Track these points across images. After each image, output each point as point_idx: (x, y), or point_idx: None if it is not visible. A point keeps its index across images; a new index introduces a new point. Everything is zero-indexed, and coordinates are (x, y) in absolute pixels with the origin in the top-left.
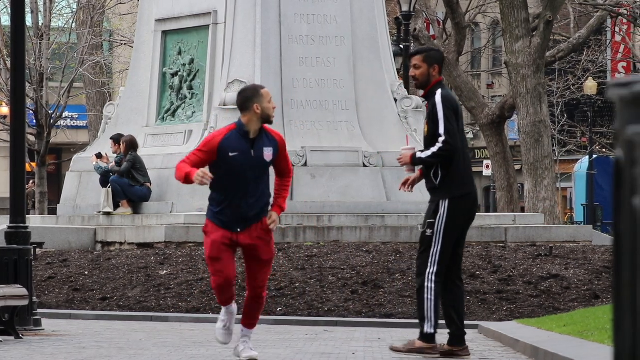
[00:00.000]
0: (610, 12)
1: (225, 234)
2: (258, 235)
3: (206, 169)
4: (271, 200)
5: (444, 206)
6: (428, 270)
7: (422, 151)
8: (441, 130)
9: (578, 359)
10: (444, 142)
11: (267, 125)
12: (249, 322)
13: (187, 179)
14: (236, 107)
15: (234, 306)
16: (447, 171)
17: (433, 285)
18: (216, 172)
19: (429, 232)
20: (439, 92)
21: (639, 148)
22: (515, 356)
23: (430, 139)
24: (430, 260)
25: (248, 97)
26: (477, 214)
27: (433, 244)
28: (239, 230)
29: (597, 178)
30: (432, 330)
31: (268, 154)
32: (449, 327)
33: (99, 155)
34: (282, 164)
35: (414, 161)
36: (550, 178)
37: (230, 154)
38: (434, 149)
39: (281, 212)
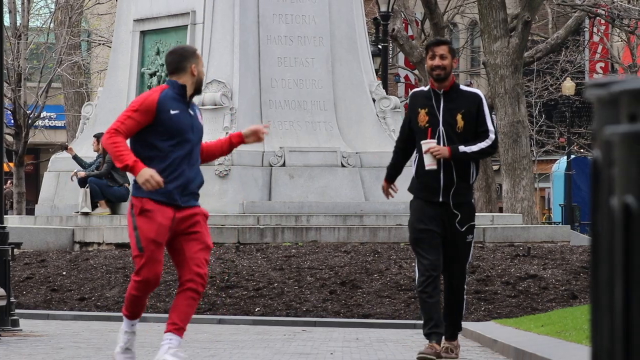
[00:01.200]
0: (588, 13)
1: (168, 214)
2: (199, 217)
3: (156, 174)
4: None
5: (474, 207)
6: (466, 281)
7: (465, 145)
8: (490, 126)
9: (556, 359)
10: (495, 139)
11: None
12: (180, 324)
13: (124, 167)
14: (215, 106)
15: (137, 324)
16: (478, 170)
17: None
18: (153, 136)
19: (470, 237)
20: (475, 89)
21: (616, 148)
22: (493, 356)
23: (467, 135)
24: (468, 265)
25: (184, 57)
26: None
27: (472, 249)
28: (182, 205)
29: (575, 178)
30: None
31: (201, 118)
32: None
33: (64, 147)
34: None
35: (455, 155)
36: (528, 178)
37: (172, 112)
38: (483, 145)
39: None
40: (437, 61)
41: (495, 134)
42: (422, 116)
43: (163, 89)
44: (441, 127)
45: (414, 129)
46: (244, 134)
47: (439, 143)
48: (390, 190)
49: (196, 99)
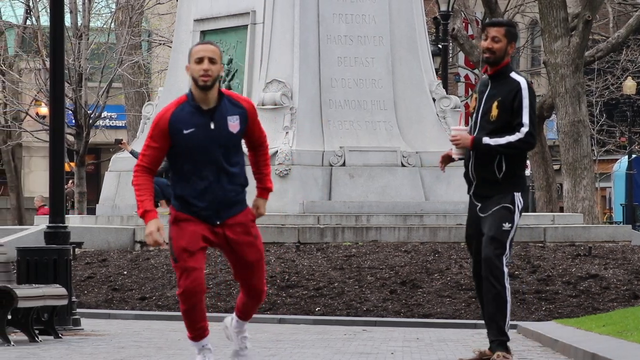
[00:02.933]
0: None
1: (204, 227)
2: (241, 230)
3: (156, 232)
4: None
5: (518, 199)
6: (504, 269)
7: (490, 137)
8: (525, 119)
9: (617, 358)
10: (527, 133)
11: (230, 91)
12: (245, 315)
13: (142, 213)
14: (275, 106)
15: (208, 344)
16: (513, 165)
17: (509, 286)
18: (176, 159)
19: (506, 225)
20: (520, 77)
21: None
22: (554, 356)
23: (499, 125)
24: (505, 257)
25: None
26: None
27: (508, 240)
28: (218, 223)
29: (637, 178)
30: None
31: (234, 124)
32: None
33: (119, 141)
34: (253, 134)
35: (478, 146)
36: (589, 178)
37: (185, 132)
38: (512, 139)
39: (268, 194)
40: (487, 43)
41: (531, 129)
42: (473, 101)
43: (180, 102)
44: (479, 115)
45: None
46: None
47: (471, 132)
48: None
49: (255, 99)
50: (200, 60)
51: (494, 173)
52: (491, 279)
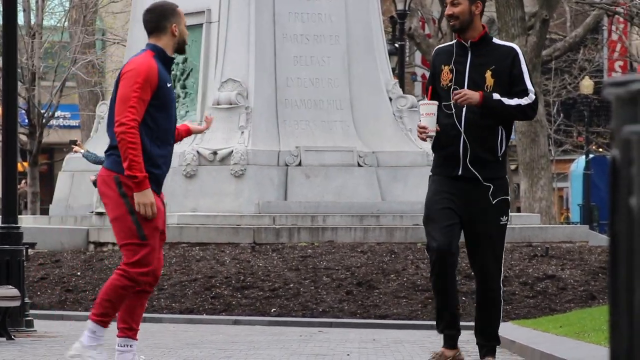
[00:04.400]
0: (606, 11)
1: (159, 199)
2: (162, 201)
3: (154, 204)
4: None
5: (509, 186)
6: (502, 274)
7: (510, 98)
8: (529, 85)
9: (574, 359)
10: (536, 100)
11: None
12: (136, 327)
13: (133, 176)
14: (231, 105)
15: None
16: (508, 141)
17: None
18: (153, 116)
19: (504, 219)
20: (511, 43)
21: (635, 147)
22: (511, 357)
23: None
24: (503, 261)
25: (163, 15)
26: None
27: (505, 238)
28: (160, 191)
29: (594, 178)
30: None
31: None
32: (458, 328)
33: (74, 142)
34: None
35: (488, 102)
36: (546, 178)
37: (168, 85)
38: (523, 102)
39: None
40: (448, 9)
41: (536, 96)
42: (446, 74)
43: (152, 55)
44: (466, 86)
45: (437, 91)
46: (190, 126)
47: (441, 107)
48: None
49: (210, 98)
50: (186, 25)
51: (495, 151)
52: (492, 294)
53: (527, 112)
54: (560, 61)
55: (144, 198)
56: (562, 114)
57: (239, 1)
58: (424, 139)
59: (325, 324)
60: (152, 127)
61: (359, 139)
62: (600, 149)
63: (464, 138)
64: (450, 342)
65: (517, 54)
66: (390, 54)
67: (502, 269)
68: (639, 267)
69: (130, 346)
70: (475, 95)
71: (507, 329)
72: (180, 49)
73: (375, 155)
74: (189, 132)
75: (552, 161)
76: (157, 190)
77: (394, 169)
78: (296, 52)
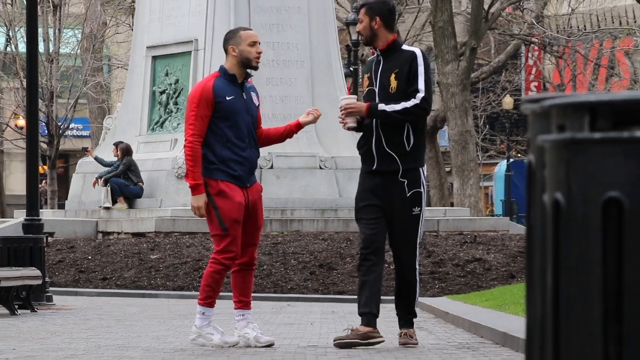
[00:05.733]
0: (524, 41)
1: (242, 193)
2: (257, 196)
3: (204, 206)
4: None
5: (424, 176)
6: (417, 259)
7: (386, 104)
8: (421, 85)
9: (497, 327)
10: (423, 99)
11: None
12: (247, 299)
13: (193, 185)
14: None
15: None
16: (419, 136)
17: (419, 277)
18: (217, 125)
19: (416, 209)
20: (414, 48)
21: (547, 153)
22: (445, 326)
23: (401, 97)
24: (417, 246)
25: (226, 40)
26: None
27: (420, 225)
28: (248, 185)
29: (514, 178)
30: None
31: (255, 97)
32: (377, 309)
33: (85, 149)
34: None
35: (374, 112)
36: (474, 178)
37: (227, 98)
38: (408, 104)
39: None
40: (357, 27)
41: (426, 95)
42: (365, 81)
43: (215, 76)
44: (376, 90)
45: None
46: (301, 120)
47: None
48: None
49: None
50: (254, 44)
51: (403, 146)
52: (408, 275)
53: (413, 112)
54: (486, 82)
55: (194, 201)
56: (487, 126)
57: (221, 33)
58: (344, 123)
59: (292, 298)
60: (220, 134)
61: (320, 146)
62: (519, 155)
63: (376, 135)
64: (367, 321)
65: (416, 56)
66: (346, 76)
67: (417, 253)
68: (550, 252)
69: (243, 315)
70: (362, 107)
71: (442, 303)
72: (246, 66)
73: (334, 160)
74: (299, 126)
75: (480, 164)
76: (241, 185)
77: (350, 170)
78: (268, 75)
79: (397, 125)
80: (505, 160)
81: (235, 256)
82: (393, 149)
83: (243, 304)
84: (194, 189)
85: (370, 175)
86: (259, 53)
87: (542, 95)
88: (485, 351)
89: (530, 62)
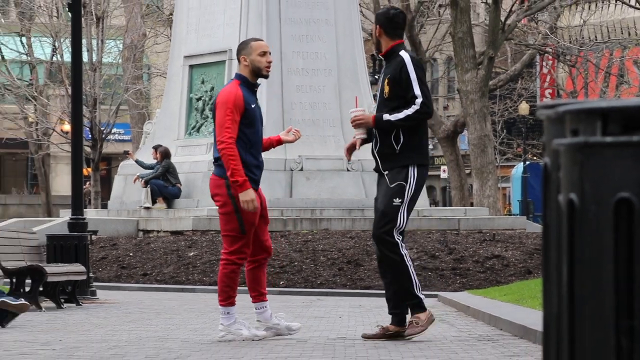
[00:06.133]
0: (538, 50)
1: (257, 196)
2: (262, 196)
3: (256, 200)
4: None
5: (413, 173)
6: (397, 241)
7: (389, 113)
8: (417, 91)
9: (515, 320)
10: (422, 104)
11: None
12: (264, 291)
13: (235, 181)
14: None
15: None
16: (410, 136)
17: (406, 252)
18: (244, 131)
19: (397, 200)
20: (404, 52)
21: (562, 156)
22: (467, 319)
23: (394, 100)
24: (395, 230)
25: (238, 50)
26: (436, 207)
27: (400, 213)
28: (258, 188)
29: (530, 179)
30: (423, 295)
31: (259, 105)
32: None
33: (126, 152)
34: None
35: (379, 124)
36: (493, 180)
37: (252, 106)
38: (409, 112)
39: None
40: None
41: (424, 99)
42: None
43: (238, 84)
44: (378, 96)
45: None
46: (282, 137)
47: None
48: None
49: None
50: (264, 54)
51: (392, 146)
52: (387, 252)
53: (416, 118)
54: (503, 89)
55: (246, 196)
56: (505, 130)
57: None
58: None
59: (322, 293)
60: (245, 140)
61: None
62: (535, 157)
63: (375, 138)
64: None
65: (404, 62)
66: (371, 83)
67: (399, 240)
68: (565, 249)
69: (265, 307)
70: (369, 119)
71: (463, 297)
72: (257, 75)
73: (360, 162)
74: (279, 142)
75: (498, 167)
76: (256, 188)
77: (375, 172)
78: (298, 82)
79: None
80: (522, 163)
81: (247, 257)
82: (386, 149)
83: (262, 296)
84: (243, 185)
85: (378, 174)
86: (269, 62)
87: (557, 102)
88: (504, 343)
89: (545, 70)
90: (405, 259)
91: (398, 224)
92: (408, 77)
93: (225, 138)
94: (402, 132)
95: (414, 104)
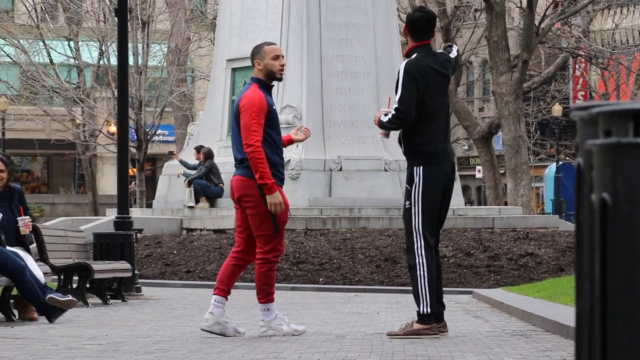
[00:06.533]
0: (571, 53)
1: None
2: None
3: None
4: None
5: (418, 174)
6: (416, 245)
7: (386, 114)
8: (397, 97)
9: (548, 316)
10: (396, 109)
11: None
12: (229, 290)
13: (264, 184)
14: (288, 125)
15: None
16: (412, 138)
17: (424, 261)
18: (268, 133)
19: (407, 204)
20: (406, 59)
21: (594, 156)
22: (501, 315)
23: (394, 103)
24: (415, 234)
25: (252, 54)
26: (471, 206)
27: (414, 216)
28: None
29: (562, 179)
30: (429, 310)
31: None
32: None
33: (171, 153)
34: None
35: (380, 123)
36: (526, 179)
37: (273, 107)
38: (389, 116)
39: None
40: None
41: (400, 106)
42: None
43: (259, 88)
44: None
45: None
46: (292, 136)
47: None
48: None
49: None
50: (277, 57)
51: (402, 147)
52: (406, 252)
53: (393, 122)
54: (537, 91)
55: (274, 199)
56: (538, 131)
57: (295, 46)
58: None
59: (360, 290)
60: (270, 141)
61: (385, 150)
62: (567, 158)
63: None
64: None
65: (399, 71)
66: None
67: (415, 243)
68: (597, 247)
69: (223, 304)
70: (376, 119)
71: (497, 294)
72: (271, 78)
73: (397, 162)
74: (290, 141)
75: (531, 167)
76: (281, 185)
77: None
78: (337, 85)
79: (396, 132)
80: (555, 163)
81: (281, 254)
82: (401, 148)
83: (227, 293)
84: (272, 188)
85: None
86: (282, 65)
87: (590, 104)
88: (537, 338)
89: (578, 73)
90: (418, 267)
91: (413, 225)
92: (397, 85)
93: (253, 141)
94: (404, 134)
95: (392, 111)
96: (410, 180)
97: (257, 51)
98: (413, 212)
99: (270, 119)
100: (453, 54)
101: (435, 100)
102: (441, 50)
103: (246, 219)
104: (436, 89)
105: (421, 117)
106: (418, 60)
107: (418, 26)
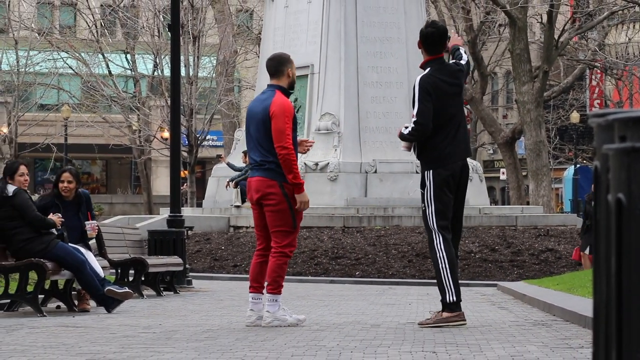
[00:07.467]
0: (588, 65)
1: None
2: None
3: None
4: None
5: (429, 178)
6: (435, 242)
7: (406, 127)
8: (415, 111)
9: (567, 307)
10: (415, 122)
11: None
12: (264, 284)
13: (297, 183)
14: (327, 131)
15: None
16: (423, 144)
17: (444, 255)
18: (293, 134)
19: (422, 206)
20: (420, 75)
21: (611, 160)
22: (523, 306)
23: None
24: (433, 233)
25: (282, 62)
26: (496, 206)
27: (429, 217)
28: None
29: (580, 181)
30: (455, 298)
31: None
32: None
33: (219, 156)
34: None
35: (401, 136)
36: (547, 181)
37: (296, 114)
38: (409, 129)
39: None
40: None
41: (419, 119)
42: None
43: (282, 94)
44: None
45: None
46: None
47: None
48: None
49: (313, 126)
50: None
51: (416, 153)
52: (429, 252)
53: (412, 135)
54: (556, 100)
55: (303, 197)
56: (558, 137)
57: (333, 59)
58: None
59: (393, 283)
60: (294, 145)
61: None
62: (584, 161)
63: None
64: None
65: (415, 84)
66: None
67: (434, 241)
68: (613, 243)
69: (261, 299)
70: (398, 132)
71: (520, 286)
72: (291, 87)
73: None
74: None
75: (551, 169)
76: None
77: None
78: (373, 94)
79: None
80: (573, 166)
81: (295, 249)
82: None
83: (262, 288)
84: (302, 187)
85: None
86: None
87: (606, 111)
88: (557, 327)
89: (594, 83)
90: (440, 260)
91: (430, 225)
92: (414, 98)
93: (287, 144)
94: (418, 145)
95: (412, 124)
96: (422, 184)
97: (287, 59)
98: (428, 214)
99: (295, 124)
100: (464, 60)
101: (446, 110)
102: (453, 61)
103: (263, 218)
104: (448, 100)
105: (432, 126)
106: (430, 75)
107: (430, 41)
